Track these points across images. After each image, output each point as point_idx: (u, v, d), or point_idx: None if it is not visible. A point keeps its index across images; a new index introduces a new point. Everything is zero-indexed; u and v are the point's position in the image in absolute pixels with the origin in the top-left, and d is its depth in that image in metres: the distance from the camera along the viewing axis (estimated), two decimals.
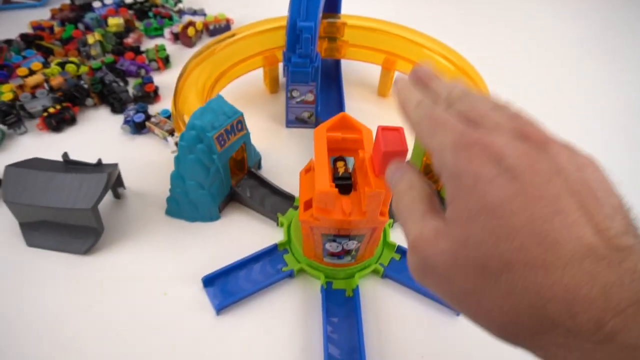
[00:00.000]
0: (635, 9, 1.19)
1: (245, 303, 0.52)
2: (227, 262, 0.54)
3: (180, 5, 0.97)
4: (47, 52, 0.82)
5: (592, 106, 0.86)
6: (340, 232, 0.46)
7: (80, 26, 0.89)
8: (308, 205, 0.46)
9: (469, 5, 1.13)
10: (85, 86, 0.74)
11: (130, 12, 0.93)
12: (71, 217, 0.54)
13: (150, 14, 0.94)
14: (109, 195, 0.61)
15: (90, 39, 0.81)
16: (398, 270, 0.55)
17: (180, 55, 0.86)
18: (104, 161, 0.58)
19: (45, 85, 0.74)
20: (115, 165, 0.57)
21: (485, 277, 0.21)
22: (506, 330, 0.22)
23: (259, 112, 0.76)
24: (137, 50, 0.85)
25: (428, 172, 0.64)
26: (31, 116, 0.72)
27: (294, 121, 0.73)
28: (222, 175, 0.56)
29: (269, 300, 0.53)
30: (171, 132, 0.67)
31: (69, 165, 0.56)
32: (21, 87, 0.72)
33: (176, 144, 0.65)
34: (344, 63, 0.84)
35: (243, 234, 0.59)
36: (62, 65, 0.77)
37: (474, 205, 0.22)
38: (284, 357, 0.48)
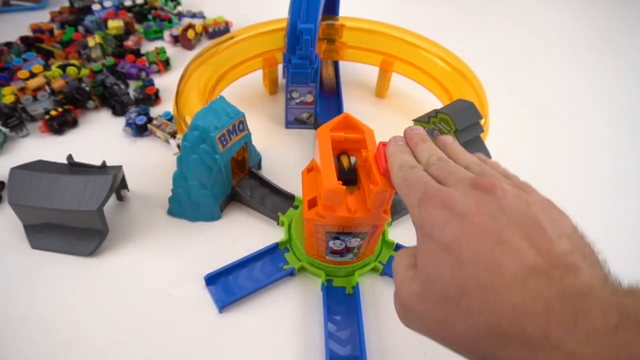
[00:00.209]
0: (634, 7, 1.20)
1: (247, 301, 0.53)
2: (228, 261, 0.55)
3: (179, 8, 0.98)
4: (47, 55, 0.83)
5: (592, 106, 0.87)
6: (344, 229, 0.47)
7: (80, 29, 0.89)
8: (312, 203, 0.47)
9: (465, 7, 1.14)
10: (87, 89, 0.75)
11: (130, 14, 0.94)
12: (76, 219, 0.54)
13: (150, 16, 0.95)
14: (112, 197, 0.61)
15: (91, 42, 0.82)
16: None
17: (180, 57, 0.87)
18: (106, 163, 0.58)
19: (47, 87, 0.74)
20: (119, 167, 0.58)
21: (448, 305, 0.25)
22: (474, 350, 0.24)
23: (258, 113, 0.77)
24: (137, 53, 0.85)
25: None
26: (33, 119, 0.72)
27: (293, 122, 0.74)
28: (224, 175, 0.57)
29: (271, 298, 0.54)
30: (173, 135, 0.68)
31: (73, 167, 0.57)
32: (23, 89, 0.73)
33: (178, 146, 0.66)
34: (342, 64, 0.85)
35: (244, 233, 0.60)
36: (63, 67, 0.77)
37: (433, 246, 0.26)
38: (286, 354, 0.49)
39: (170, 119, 0.71)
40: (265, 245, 0.57)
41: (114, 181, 0.54)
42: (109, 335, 0.49)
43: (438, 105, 0.73)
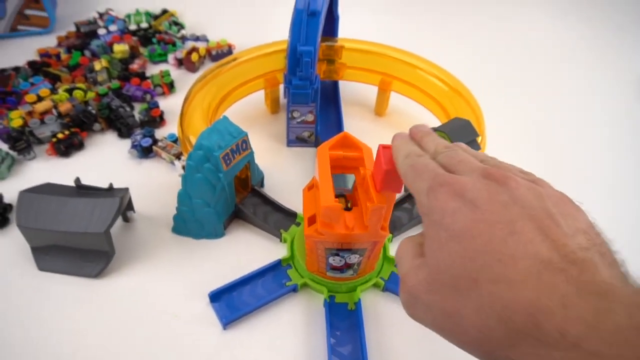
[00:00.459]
0: (628, 16, 1.23)
1: (251, 317, 0.54)
2: (232, 278, 0.56)
3: (183, 32, 1.00)
4: (54, 79, 0.85)
5: (590, 122, 0.88)
6: (343, 246, 0.48)
7: (87, 53, 0.92)
8: (312, 220, 0.48)
9: (464, 27, 1.16)
10: (93, 112, 0.77)
11: (135, 38, 0.96)
12: (83, 241, 0.55)
13: (154, 40, 0.97)
14: (118, 219, 0.62)
15: (97, 66, 0.84)
16: (398, 283, 0.56)
17: (184, 80, 0.89)
18: (113, 185, 0.59)
19: (54, 111, 0.76)
20: (126, 190, 0.59)
21: (457, 297, 0.24)
22: (482, 346, 0.23)
23: (260, 131, 0.78)
24: (142, 76, 0.87)
25: None
26: (40, 142, 0.74)
27: (295, 140, 0.76)
28: (228, 193, 0.59)
29: (274, 314, 0.55)
30: (178, 156, 0.70)
31: (80, 190, 0.58)
32: (30, 113, 0.75)
33: (183, 167, 0.67)
34: (342, 84, 0.87)
35: (247, 250, 0.61)
36: (69, 91, 0.79)
37: (443, 235, 0.25)
38: None
39: (175, 141, 0.72)
40: (268, 262, 0.58)
41: (121, 204, 0.55)
42: (114, 356, 0.50)
43: (436, 123, 0.74)
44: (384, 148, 0.37)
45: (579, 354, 0.19)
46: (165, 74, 0.87)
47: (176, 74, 0.91)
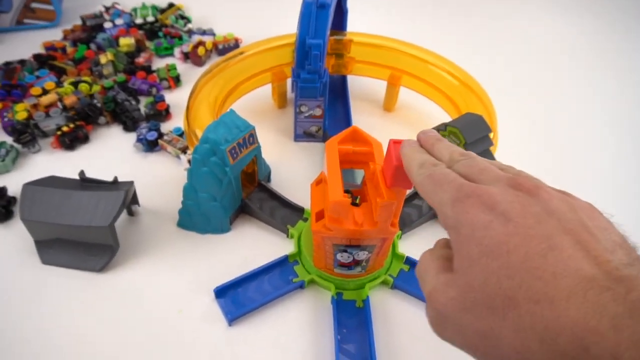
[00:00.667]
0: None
1: (256, 314, 0.53)
2: (238, 274, 0.55)
3: (189, 26, 0.99)
4: (60, 72, 0.84)
5: (602, 117, 0.87)
6: (351, 242, 0.47)
7: (92, 46, 0.91)
8: (320, 216, 0.47)
9: (472, 21, 1.15)
10: (98, 105, 0.76)
11: (141, 32, 0.95)
12: (87, 234, 0.55)
13: (161, 33, 0.97)
14: (122, 212, 0.62)
15: (103, 59, 0.83)
16: (407, 281, 0.56)
17: (190, 74, 0.88)
18: (118, 178, 0.59)
19: (59, 104, 0.75)
20: (131, 183, 0.58)
21: (494, 317, 0.22)
22: None
23: (267, 126, 0.77)
24: (148, 70, 0.87)
25: None
26: (45, 135, 0.73)
27: (302, 135, 0.75)
28: (234, 188, 0.58)
29: (280, 311, 0.54)
30: (184, 150, 0.69)
31: (85, 183, 0.57)
32: (35, 106, 0.74)
33: (189, 161, 0.66)
34: (350, 78, 0.86)
35: (253, 246, 0.60)
36: (75, 84, 0.79)
37: (474, 251, 0.23)
38: None
39: (181, 135, 0.71)
40: (274, 258, 0.57)
41: (126, 197, 0.55)
42: (118, 351, 0.49)
43: (446, 118, 0.73)
44: (394, 143, 0.36)
45: None
46: (172, 67, 0.86)
47: (182, 67, 0.91)
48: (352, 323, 0.52)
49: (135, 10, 1.02)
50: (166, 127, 0.76)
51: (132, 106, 0.77)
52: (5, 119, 0.73)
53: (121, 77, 0.83)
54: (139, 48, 0.93)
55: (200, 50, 0.90)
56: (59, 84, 0.80)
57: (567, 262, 0.20)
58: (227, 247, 0.60)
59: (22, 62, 0.86)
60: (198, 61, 0.91)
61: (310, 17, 0.61)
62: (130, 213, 0.62)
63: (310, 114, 0.71)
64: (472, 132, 0.56)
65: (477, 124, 0.57)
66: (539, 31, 1.12)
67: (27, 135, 0.70)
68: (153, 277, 0.56)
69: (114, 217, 0.52)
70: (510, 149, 0.69)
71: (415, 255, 0.57)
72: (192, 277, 0.56)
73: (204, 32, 0.98)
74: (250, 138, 0.57)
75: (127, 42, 0.90)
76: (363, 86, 0.86)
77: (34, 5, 0.98)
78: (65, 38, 0.95)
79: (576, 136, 0.82)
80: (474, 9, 1.20)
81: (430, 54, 0.75)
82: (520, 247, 0.22)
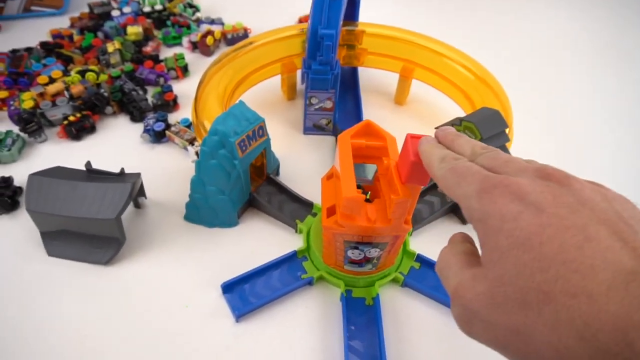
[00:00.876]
0: None
1: (264, 310, 0.52)
2: (245, 269, 0.54)
3: (198, 15, 0.98)
4: (66, 61, 0.83)
5: (620, 112, 0.86)
6: (363, 239, 0.46)
7: (100, 35, 0.90)
8: (332, 211, 0.46)
9: (487, 14, 1.12)
10: (105, 94, 0.75)
11: (149, 20, 0.94)
12: (94, 226, 0.54)
13: (169, 22, 0.95)
14: (129, 205, 0.61)
15: (110, 48, 0.82)
16: (418, 279, 0.55)
17: (198, 64, 0.87)
18: (124, 170, 0.58)
19: (66, 93, 0.74)
20: (138, 175, 0.57)
21: (527, 312, 0.21)
22: None
23: (276, 118, 0.76)
24: (156, 59, 0.85)
25: None
26: (51, 124, 0.72)
27: (312, 128, 0.73)
28: (243, 181, 0.56)
29: (289, 307, 0.53)
30: (191, 142, 0.68)
31: (91, 174, 0.56)
32: (42, 95, 0.73)
33: (197, 153, 0.65)
34: (361, 70, 0.84)
35: (261, 240, 0.59)
36: (82, 73, 0.77)
37: (504, 243, 0.22)
38: None
39: (189, 126, 0.70)
40: (283, 253, 0.56)
41: (133, 189, 0.54)
42: (123, 345, 0.49)
43: (458, 112, 0.71)
44: (412, 138, 0.35)
45: None
46: (180, 57, 0.85)
47: (190, 57, 0.89)
48: (362, 321, 0.51)
49: None
50: (174, 117, 0.75)
51: (139, 96, 0.75)
52: (12, 108, 0.72)
53: (128, 66, 0.82)
54: (147, 37, 0.91)
55: (209, 40, 0.88)
56: (65, 72, 0.79)
57: (605, 254, 0.19)
58: (234, 242, 0.59)
59: (29, 49, 0.85)
60: (206, 51, 0.90)
61: (322, 7, 0.60)
62: (137, 205, 0.61)
63: (320, 107, 0.69)
64: (488, 128, 0.54)
65: (493, 119, 0.55)
66: (545, 26, 1.09)
67: (33, 125, 0.69)
68: (159, 271, 0.55)
69: (121, 209, 0.51)
70: (527, 145, 0.67)
71: (427, 252, 0.56)
72: (199, 272, 0.55)
73: (212, 21, 0.96)
74: (259, 130, 0.55)
75: (134, 30, 0.89)
76: (373, 78, 0.84)
77: None
78: (72, 26, 0.94)
79: (596, 133, 0.80)
80: (480, 3, 1.18)
81: (446, 47, 0.73)
82: (555, 239, 0.20)
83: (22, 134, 0.69)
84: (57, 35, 0.90)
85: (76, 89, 0.74)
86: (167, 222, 0.60)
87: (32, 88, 0.74)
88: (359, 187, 0.46)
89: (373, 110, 0.79)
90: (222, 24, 0.96)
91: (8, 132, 0.68)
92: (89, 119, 0.71)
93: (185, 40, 0.91)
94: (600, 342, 0.18)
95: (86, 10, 0.97)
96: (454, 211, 0.63)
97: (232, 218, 0.59)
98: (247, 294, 0.52)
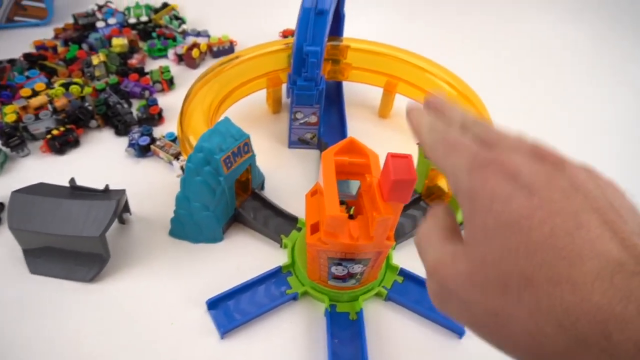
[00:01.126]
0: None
1: (249, 326, 0.52)
2: (231, 285, 0.54)
3: (184, 27, 0.98)
4: (50, 73, 0.82)
5: (601, 123, 0.87)
6: (346, 255, 0.46)
7: (84, 46, 0.89)
8: (315, 228, 0.46)
9: (470, 30, 1.14)
10: (90, 108, 0.74)
11: (134, 32, 0.94)
12: (77, 244, 0.54)
13: (154, 34, 0.95)
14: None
15: (95, 60, 0.82)
16: (401, 292, 0.55)
17: (184, 76, 0.87)
18: (109, 185, 0.57)
19: (49, 106, 0.74)
20: (122, 192, 0.57)
21: (506, 296, 0.20)
22: (534, 354, 0.20)
23: (261, 131, 0.76)
24: (141, 72, 0.85)
25: (430, 195, 0.64)
26: (34, 138, 0.72)
27: (297, 142, 0.74)
28: (228, 197, 0.57)
29: (274, 323, 0.53)
30: (176, 156, 0.68)
31: (75, 191, 0.56)
32: (25, 108, 0.72)
33: (182, 167, 0.65)
34: (345, 85, 0.85)
35: (246, 256, 0.59)
36: (65, 86, 0.77)
37: (491, 223, 0.21)
38: None
39: (174, 140, 0.70)
40: (268, 269, 0.56)
41: (118, 206, 0.53)
42: None
43: None
44: (392, 157, 0.36)
45: None
46: (165, 69, 0.85)
47: (176, 70, 0.89)
48: (346, 335, 0.52)
49: (128, 9, 1.01)
50: (159, 131, 0.74)
51: (124, 109, 0.75)
52: None
53: (113, 79, 0.81)
54: (132, 49, 0.91)
55: (195, 52, 0.88)
56: (49, 85, 0.78)
57: (594, 244, 0.19)
58: (219, 257, 0.59)
59: (11, 61, 0.84)
60: (192, 63, 0.90)
61: (308, 24, 0.61)
62: (122, 221, 0.61)
63: (305, 121, 0.70)
64: None
65: None
66: (527, 42, 1.11)
67: (16, 139, 0.68)
68: (144, 288, 0.55)
69: (105, 227, 0.51)
70: None
71: (410, 266, 0.57)
72: (184, 288, 0.55)
73: (198, 34, 0.97)
74: (244, 147, 0.56)
75: (119, 42, 0.89)
76: (358, 92, 0.85)
77: (25, 2, 0.96)
78: (56, 37, 0.93)
79: (578, 146, 0.81)
80: (473, 15, 1.20)
81: (429, 62, 0.74)
82: (545, 223, 0.20)
83: (4, 148, 0.68)
84: (40, 46, 0.89)
85: (60, 102, 0.73)
86: (151, 237, 0.60)
87: (14, 101, 0.73)
88: (342, 202, 0.47)
89: (357, 124, 0.79)
90: (208, 36, 0.96)
91: None
92: (72, 133, 0.71)
93: (171, 53, 0.91)
94: (579, 331, 0.18)
95: (71, 21, 0.97)
96: None
97: (217, 234, 0.60)
98: (232, 310, 0.52)
